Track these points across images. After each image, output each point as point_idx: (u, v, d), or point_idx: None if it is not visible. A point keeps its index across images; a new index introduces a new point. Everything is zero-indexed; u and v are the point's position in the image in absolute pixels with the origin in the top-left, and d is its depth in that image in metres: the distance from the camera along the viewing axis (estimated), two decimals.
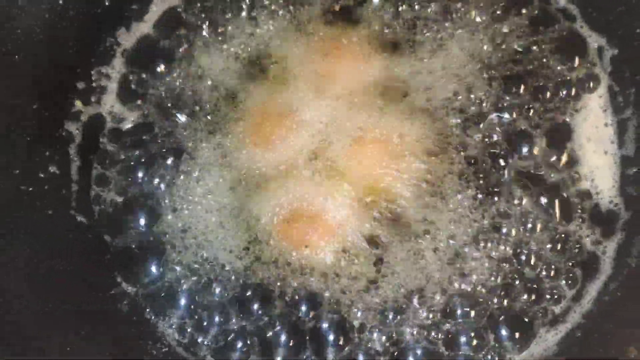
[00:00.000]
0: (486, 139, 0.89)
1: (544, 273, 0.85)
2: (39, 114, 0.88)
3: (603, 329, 0.81)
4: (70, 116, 0.92)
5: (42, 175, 0.87)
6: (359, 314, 0.85)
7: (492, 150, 0.89)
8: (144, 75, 0.94)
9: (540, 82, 0.91)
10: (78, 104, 0.92)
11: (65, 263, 0.86)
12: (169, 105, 0.93)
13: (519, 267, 0.85)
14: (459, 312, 0.84)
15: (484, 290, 0.85)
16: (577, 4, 0.93)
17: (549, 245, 0.86)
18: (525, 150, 0.89)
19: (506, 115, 0.90)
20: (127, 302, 0.88)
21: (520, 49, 0.92)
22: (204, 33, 0.95)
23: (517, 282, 0.85)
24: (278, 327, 0.86)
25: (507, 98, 0.90)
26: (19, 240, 0.82)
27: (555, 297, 0.85)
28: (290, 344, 0.85)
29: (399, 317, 0.85)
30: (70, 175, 0.90)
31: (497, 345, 0.84)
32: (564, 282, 0.85)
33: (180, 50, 0.95)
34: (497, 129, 0.90)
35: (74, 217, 0.89)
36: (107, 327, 0.86)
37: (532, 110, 0.90)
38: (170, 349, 0.87)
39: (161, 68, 0.94)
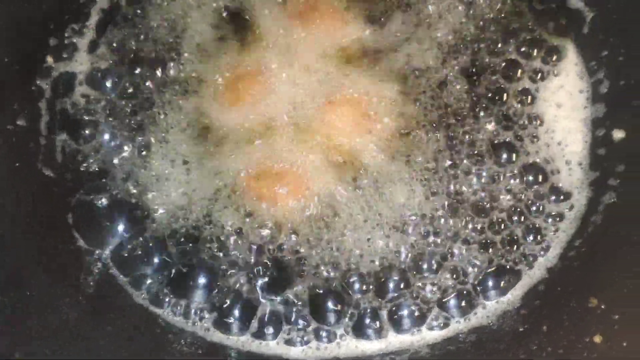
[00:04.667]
0: (460, 103, 0.90)
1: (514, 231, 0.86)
2: (10, 67, 0.87)
3: (566, 282, 0.81)
4: (42, 72, 0.91)
5: (9, 128, 0.87)
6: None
7: (463, 114, 0.90)
8: (117, 33, 0.94)
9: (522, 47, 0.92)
10: (49, 60, 0.92)
11: (28, 216, 0.85)
12: (142, 61, 0.93)
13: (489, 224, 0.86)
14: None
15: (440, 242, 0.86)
16: None
17: (517, 205, 0.87)
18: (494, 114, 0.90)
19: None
20: (91, 260, 0.88)
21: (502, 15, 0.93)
22: None
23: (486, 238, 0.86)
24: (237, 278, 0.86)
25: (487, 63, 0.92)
26: None
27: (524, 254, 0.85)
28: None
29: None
30: (40, 130, 0.90)
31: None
32: (532, 238, 0.86)
33: (155, 6, 0.95)
34: (468, 94, 0.91)
35: (41, 171, 0.89)
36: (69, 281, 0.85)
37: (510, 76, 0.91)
38: (130, 299, 0.87)
39: (135, 25, 0.94)
